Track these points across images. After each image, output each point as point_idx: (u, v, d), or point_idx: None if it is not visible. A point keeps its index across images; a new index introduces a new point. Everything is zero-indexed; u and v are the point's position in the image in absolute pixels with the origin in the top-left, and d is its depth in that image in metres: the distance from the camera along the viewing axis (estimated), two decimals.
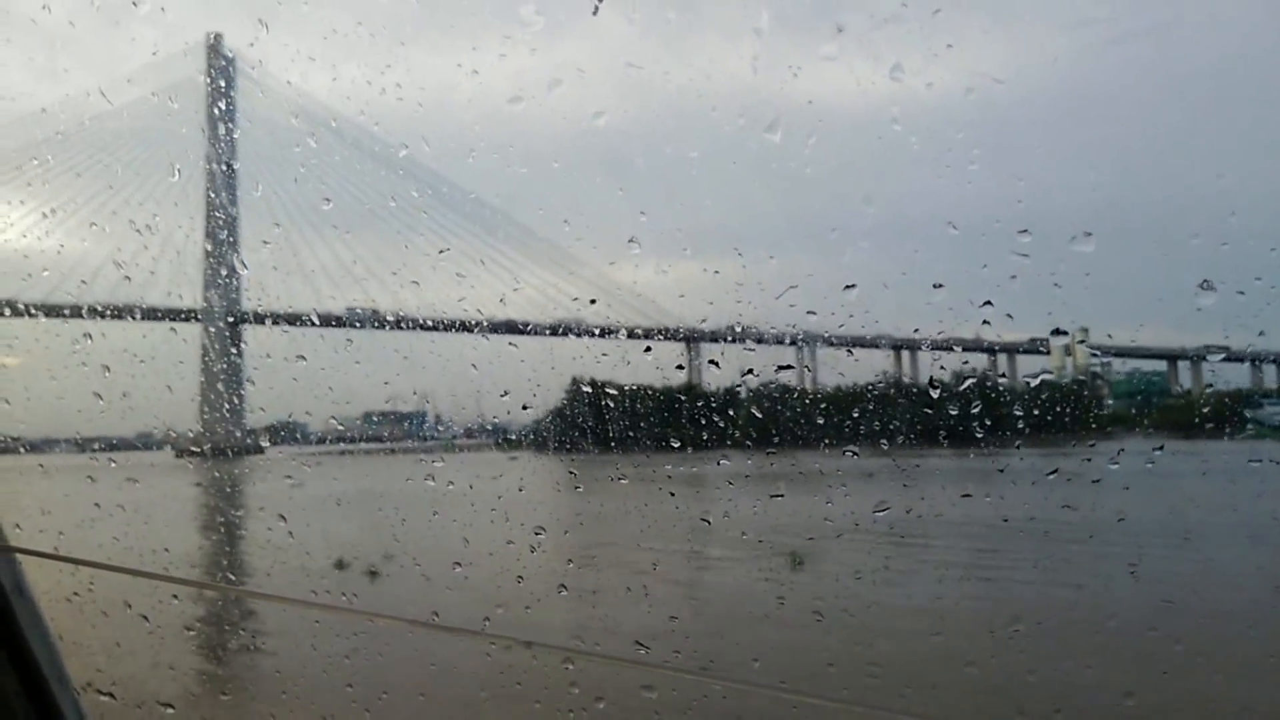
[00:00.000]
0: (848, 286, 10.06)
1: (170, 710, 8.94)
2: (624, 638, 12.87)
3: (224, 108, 55.63)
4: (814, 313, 10.52)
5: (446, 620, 8.07)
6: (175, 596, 10.05)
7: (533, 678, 8.84)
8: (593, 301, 52.16)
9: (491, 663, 9.59)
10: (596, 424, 17.61)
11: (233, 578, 19.91)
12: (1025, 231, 7.85)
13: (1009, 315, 8.47)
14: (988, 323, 8.34)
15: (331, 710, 10.11)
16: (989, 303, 8.37)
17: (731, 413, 17.15)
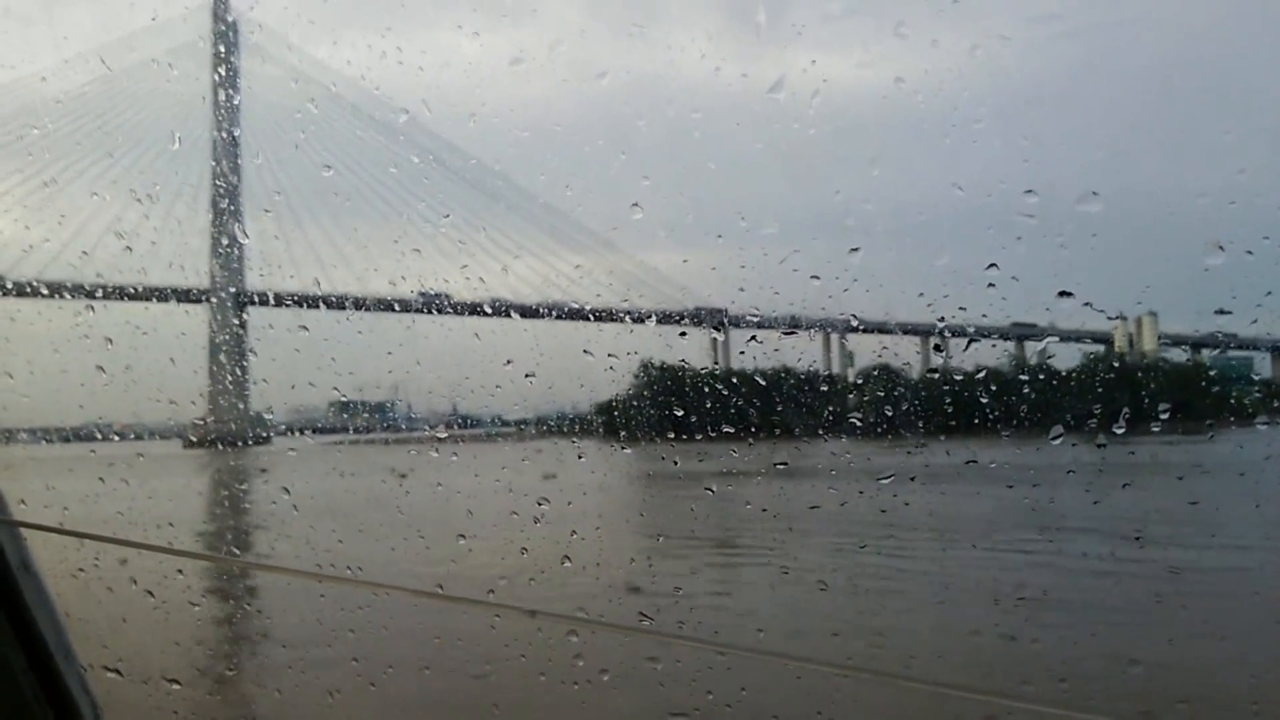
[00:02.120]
0: (852, 250, 9.99)
1: (176, 686, 8.96)
2: None
3: (224, 74, 55.42)
4: (817, 277, 10.45)
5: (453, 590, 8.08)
6: (180, 571, 10.08)
7: (537, 649, 8.86)
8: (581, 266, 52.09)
9: (496, 635, 9.60)
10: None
11: (236, 551, 19.91)
12: (1031, 192, 7.80)
13: (1014, 278, 8.42)
14: (993, 285, 8.28)
15: (337, 685, 10.14)
16: (994, 265, 8.31)
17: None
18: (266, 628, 14.77)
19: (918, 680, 3.99)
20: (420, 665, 11.33)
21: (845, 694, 7.49)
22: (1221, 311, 8.62)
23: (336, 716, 9.78)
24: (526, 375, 12.91)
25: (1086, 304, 7.97)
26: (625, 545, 17.27)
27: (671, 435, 13.66)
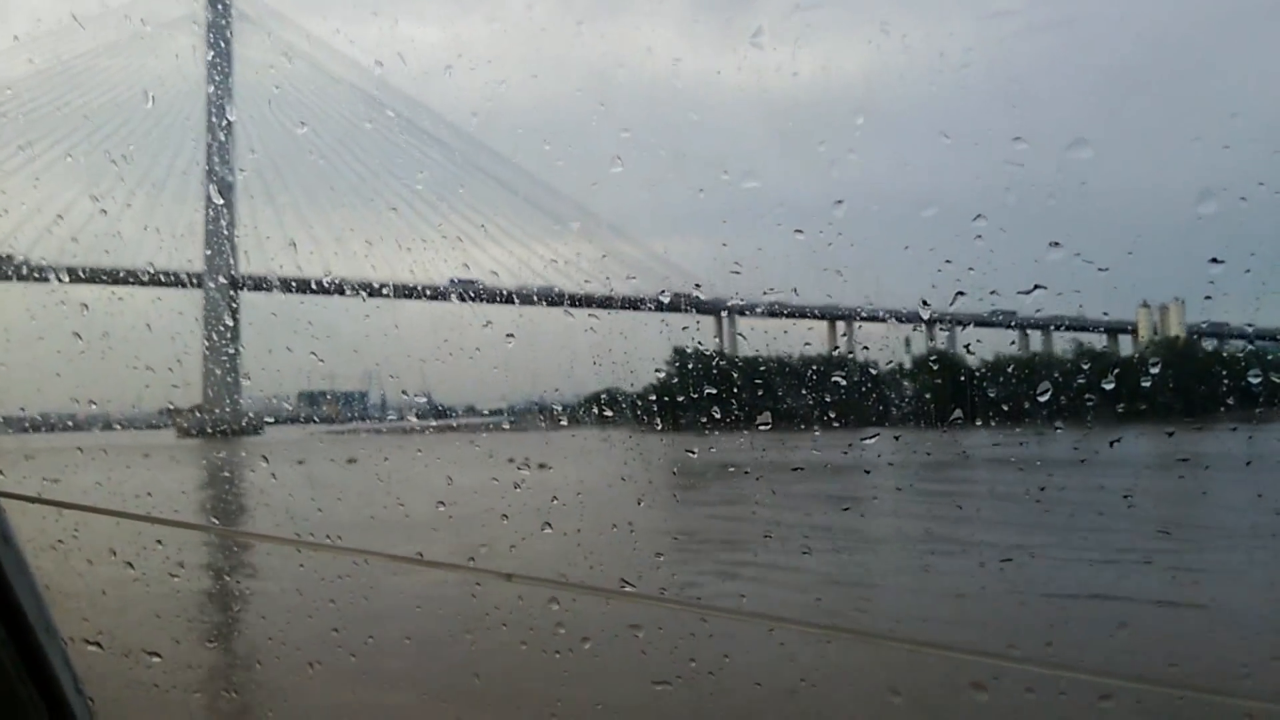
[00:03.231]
0: (836, 202, 9.83)
1: (157, 659, 8.93)
2: None
3: (197, 29, 54.87)
4: (801, 231, 10.29)
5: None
6: (160, 541, 10.01)
7: (518, 616, 8.86)
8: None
9: (476, 603, 9.60)
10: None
11: (217, 520, 19.82)
12: (1019, 139, 7.74)
13: (1002, 230, 8.33)
14: (980, 237, 8.20)
15: (318, 655, 10.12)
16: (981, 216, 8.23)
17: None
18: (247, 598, 14.76)
19: (901, 640, 3.99)
20: (401, 635, 11.34)
21: (829, 656, 7.52)
22: (1215, 260, 8.56)
23: (317, 687, 9.77)
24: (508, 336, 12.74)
25: (1077, 254, 7.91)
26: None
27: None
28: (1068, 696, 5.28)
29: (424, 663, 11.18)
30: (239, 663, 12.16)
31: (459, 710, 9.89)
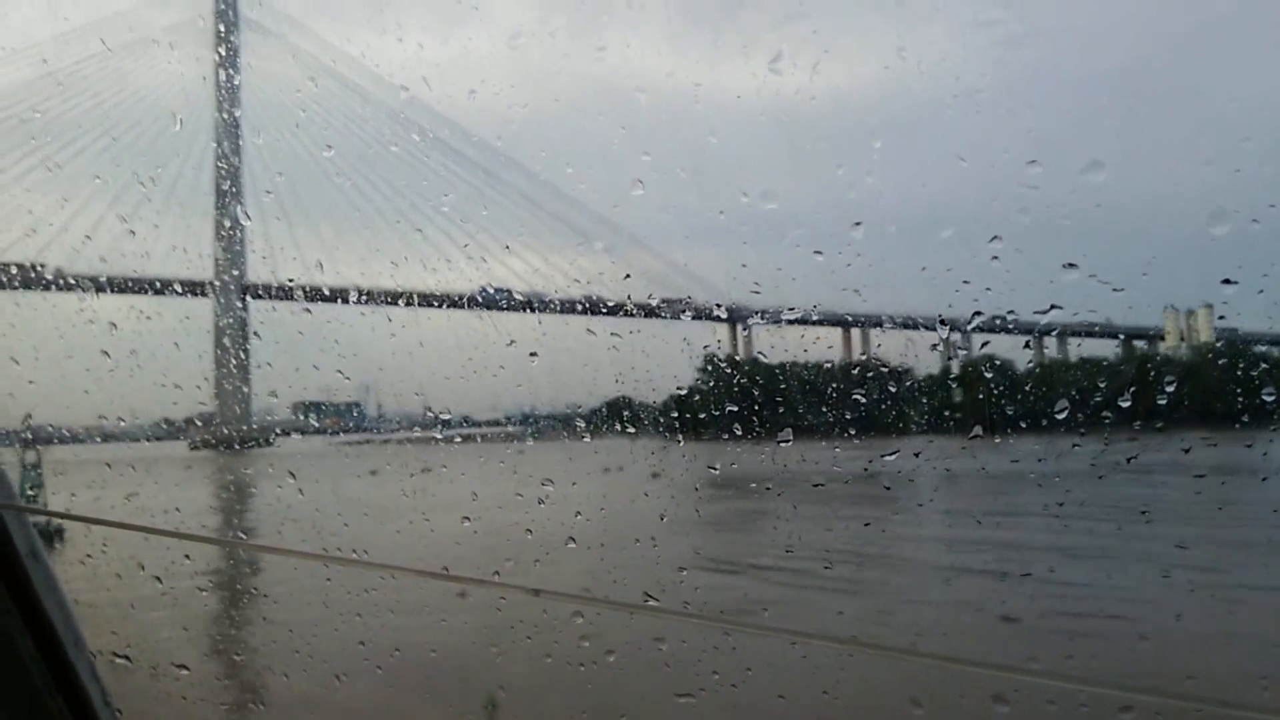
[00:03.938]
0: (855, 224, 9.82)
1: (185, 672, 8.99)
2: None
3: (224, 52, 54.96)
4: (820, 252, 10.27)
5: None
6: (188, 556, 10.09)
7: (543, 630, 8.88)
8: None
9: (501, 617, 9.62)
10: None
11: (243, 535, 19.91)
12: (1034, 162, 7.74)
13: (1018, 250, 8.32)
14: (996, 258, 8.20)
15: (344, 668, 10.17)
16: (997, 238, 8.23)
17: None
18: (274, 612, 14.81)
19: (924, 655, 4.00)
20: (427, 647, 11.36)
21: (851, 670, 7.50)
22: (1228, 281, 8.53)
23: (344, 699, 9.81)
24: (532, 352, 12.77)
25: (1092, 276, 7.89)
26: None
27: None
28: (1088, 709, 5.28)
29: (449, 675, 11.21)
30: (266, 675, 12.21)
31: None
